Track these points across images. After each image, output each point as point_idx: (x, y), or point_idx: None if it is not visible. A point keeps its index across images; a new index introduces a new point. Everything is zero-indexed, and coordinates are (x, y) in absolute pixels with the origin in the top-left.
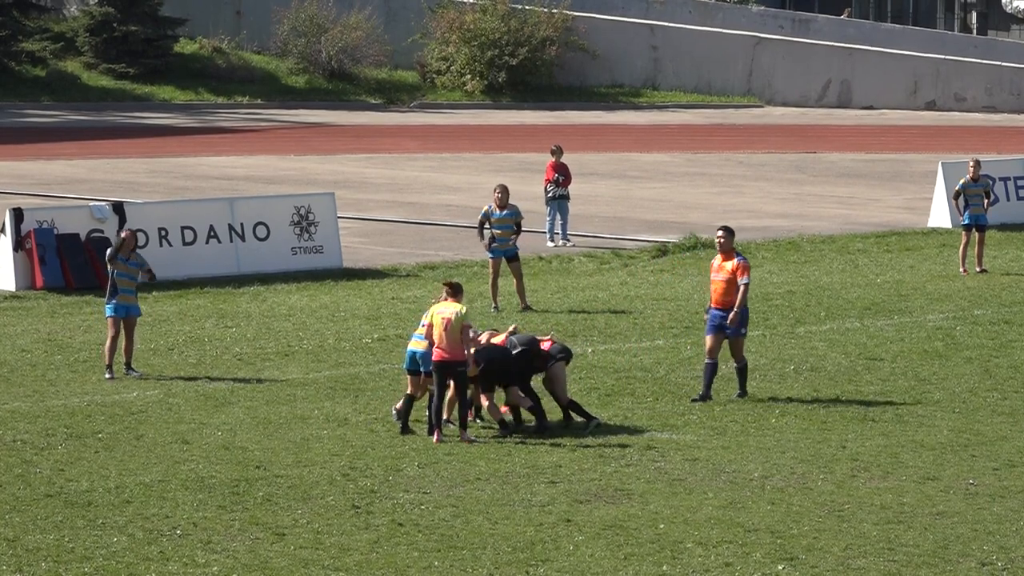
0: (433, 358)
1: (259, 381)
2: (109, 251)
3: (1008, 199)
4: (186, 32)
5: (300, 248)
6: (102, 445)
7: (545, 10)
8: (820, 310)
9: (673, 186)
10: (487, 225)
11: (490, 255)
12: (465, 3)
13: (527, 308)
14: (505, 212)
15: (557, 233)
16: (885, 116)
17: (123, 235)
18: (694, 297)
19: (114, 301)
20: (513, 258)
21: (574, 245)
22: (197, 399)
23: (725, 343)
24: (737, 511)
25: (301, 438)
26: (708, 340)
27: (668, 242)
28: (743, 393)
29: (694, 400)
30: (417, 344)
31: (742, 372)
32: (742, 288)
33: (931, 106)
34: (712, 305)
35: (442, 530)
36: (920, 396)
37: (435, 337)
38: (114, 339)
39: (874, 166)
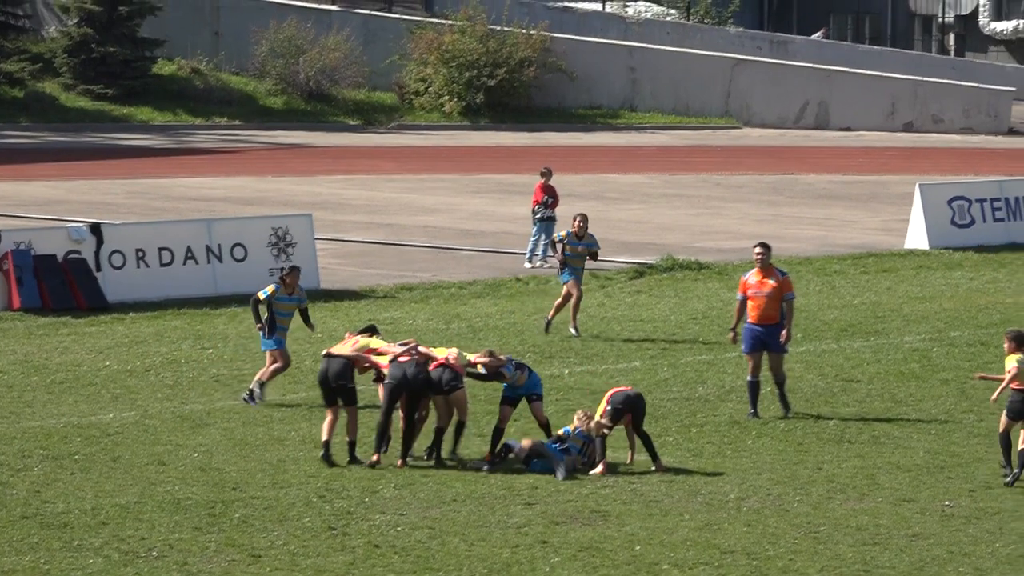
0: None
1: (236, 402)
2: (265, 294)
3: (984, 220)
4: (164, 53)
5: (277, 269)
6: (78, 467)
7: (523, 31)
8: (797, 331)
9: (651, 207)
10: (562, 248)
11: (562, 279)
12: (443, 24)
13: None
14: (584, 242)
15: (536, 255)
16: (863, 138)
17: (285, 278)
18: (671, 319)
19: (275, 336)
20: (578, 283)
21: (551, 266)
22: (174, 420)
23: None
24: (713, 533)
25: (278, 460)
26: (751, 359)
27: (645, 263)
28: (788, 410)
29: (751, 416)
30: None
31: (782, 387)
32: (791, 303)
33: (908, 128)
34: (751, 321)
35: (418, 552)
36: (896, 418)
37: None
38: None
39: (851, 187)
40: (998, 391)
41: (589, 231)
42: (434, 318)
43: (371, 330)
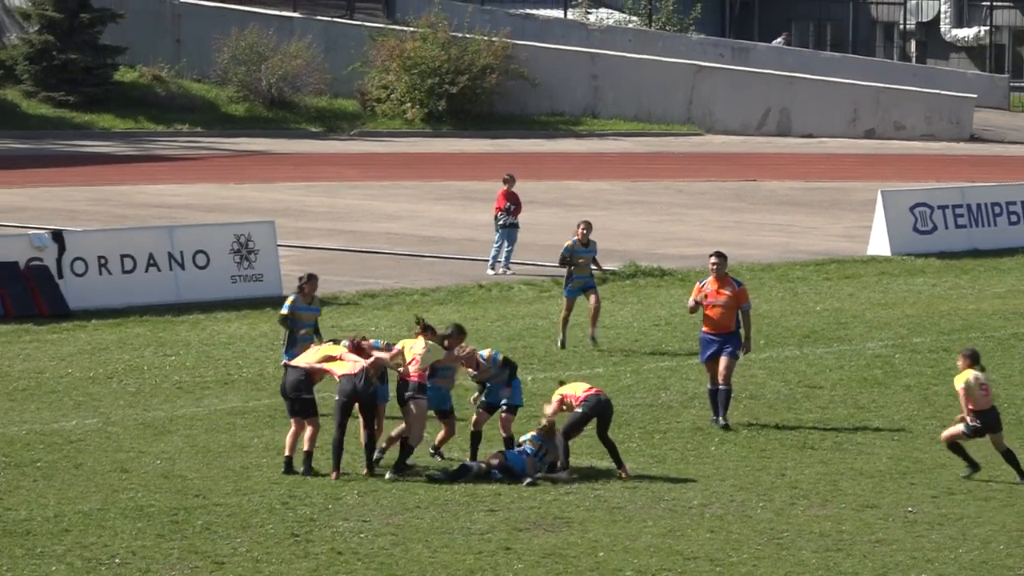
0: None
1: (199, 409)
2: (288, 307)
3: (947, 227)
4: (126, 60)
5: (240, 276)
6: (41, 474)
7: (485, 38)
8: (759, 338)
9: (613, 214)
10: (568, 261)
11: (567, 294)
12: (405, 31)
13: (593, 341)
14: (590, 249)
15: (499, 261)
16: (824, 144)
17: (303, 287)
18: (634, 325)
19: (295, 350)
20: (591, 289)
21: (514, 273)
22: (136, 428)
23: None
24: (676, 539)
25: (240, 466)
26: (709, 368)
27: (608, 270)
28: (725, 423)
29: (713, 423)
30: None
31: (728, 396)
32: (748, 314)
33: (870, 134)
34: (707, 331)
35: (381, 558)
36: (859, 424)
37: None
38: None
39: (813, 194)
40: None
41: (592, 238)
42: (397, 325)
43: (337, 341)
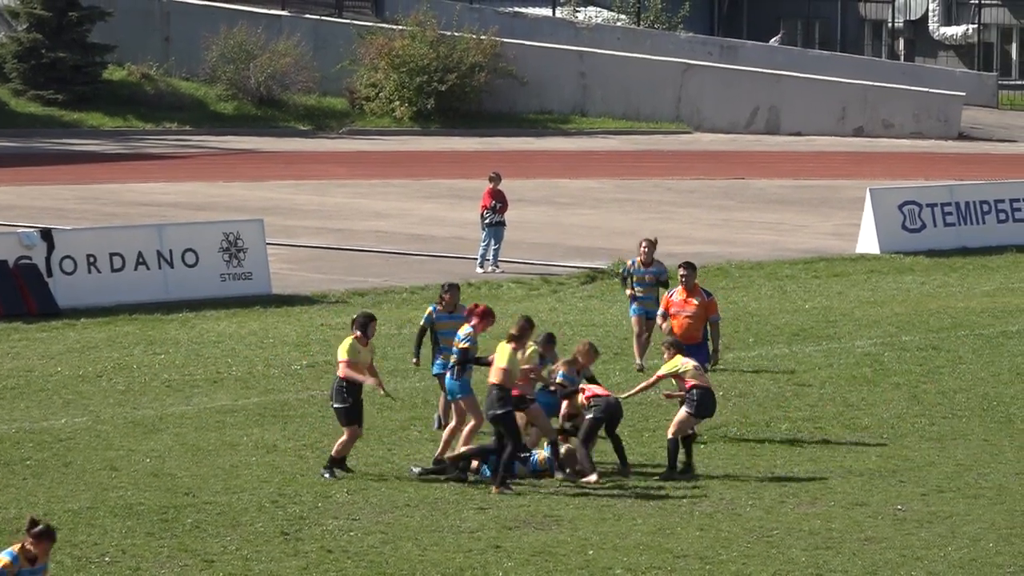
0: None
1: (188, 407)
2: (426, 319)
3: (935, 225)
4: (115, 59)
5: (229, 274)
6: (30, 472)
7: (474, 36)
8: (748, 336)
9: (602, 212)
10: (629, 282)
11: (632, 312)
12: (394, 29)
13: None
14: (652, 269)
15: (488, 260)
16: (813, 142)
17: (444, 296)
18: (623, 324)
19: (439, 359)
20: (652, 321)
21: (503, 271)
22: (125, 426)
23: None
24: (666, 537)
25: (230, 465)
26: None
27: (597, 268)
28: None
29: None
30: None
31: None
32: (716, 325)
33: (859, 132)
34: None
35: (371, 556)
36: (848, 422)
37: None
38: None
39: (802, 192)
40: (677, 395)
41: (656, 257)
42: (386, 323)
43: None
